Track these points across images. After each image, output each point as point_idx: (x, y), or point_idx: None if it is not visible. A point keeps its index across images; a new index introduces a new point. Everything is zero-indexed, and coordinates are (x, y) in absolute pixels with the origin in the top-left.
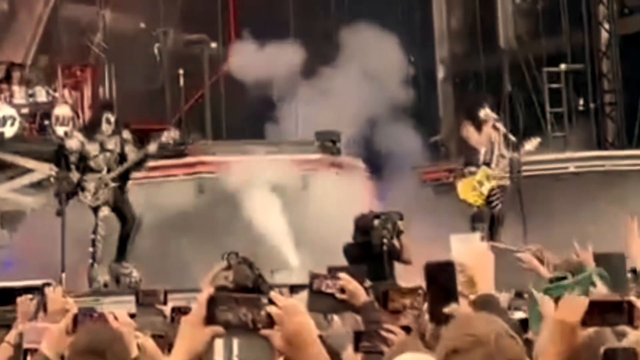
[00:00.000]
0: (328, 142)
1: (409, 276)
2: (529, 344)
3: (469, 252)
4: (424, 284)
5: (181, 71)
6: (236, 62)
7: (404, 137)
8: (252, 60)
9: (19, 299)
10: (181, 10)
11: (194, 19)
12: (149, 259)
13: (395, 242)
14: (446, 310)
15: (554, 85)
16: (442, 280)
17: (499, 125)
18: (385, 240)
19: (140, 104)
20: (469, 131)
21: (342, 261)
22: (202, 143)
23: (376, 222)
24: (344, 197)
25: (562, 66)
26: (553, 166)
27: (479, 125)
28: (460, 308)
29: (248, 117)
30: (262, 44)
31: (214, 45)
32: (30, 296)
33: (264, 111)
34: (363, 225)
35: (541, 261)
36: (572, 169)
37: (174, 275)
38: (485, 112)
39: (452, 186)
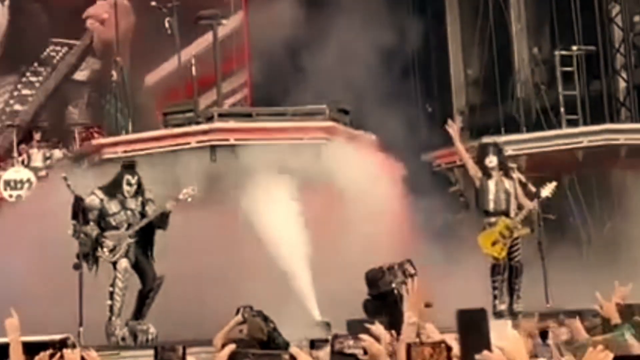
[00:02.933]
0: (339, 112)
1: None
2: None
3: (504, 338)
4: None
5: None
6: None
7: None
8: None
9: (37, 357)
10: None
11: None
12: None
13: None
14: (478, 357)
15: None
16: (474, 327)
17: (516, 173)
18: (394, 285)
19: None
20: (480, 179)
21: (353, 251)
22: (214, 110)
23: (384, 272)
24: (360, 169)
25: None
26: None
27: (489, 174)
28: (493, 355)
29: (258, 84)
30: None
31: (225, 21)
32: (50, 351)
33: (275, 78)
34: (373, 278)
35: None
36: None
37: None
38: (493, 160)
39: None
